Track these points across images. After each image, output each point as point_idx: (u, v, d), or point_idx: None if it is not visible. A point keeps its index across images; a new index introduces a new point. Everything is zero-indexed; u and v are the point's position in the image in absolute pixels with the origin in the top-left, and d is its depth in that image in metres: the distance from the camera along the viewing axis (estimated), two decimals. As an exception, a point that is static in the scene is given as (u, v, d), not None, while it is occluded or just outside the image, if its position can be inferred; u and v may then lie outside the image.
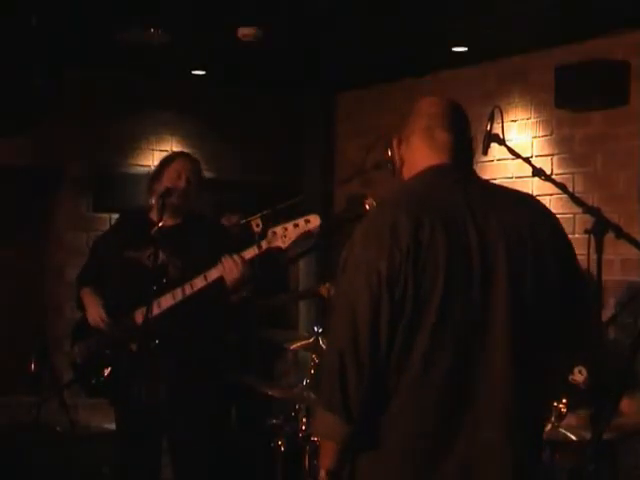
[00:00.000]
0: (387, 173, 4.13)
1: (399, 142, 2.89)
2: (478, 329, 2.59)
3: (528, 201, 2.81)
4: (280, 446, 4.97)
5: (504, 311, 2.59)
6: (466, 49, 6.06)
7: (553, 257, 2.70)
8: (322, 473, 2.73)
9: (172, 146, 6.78)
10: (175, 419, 4.32)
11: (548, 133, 5.90)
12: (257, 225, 4.13)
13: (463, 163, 2.79)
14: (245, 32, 5.51)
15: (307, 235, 4.11)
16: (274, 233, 4.05)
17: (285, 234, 4.05)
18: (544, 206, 2.79)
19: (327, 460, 2.71)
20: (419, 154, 2.81)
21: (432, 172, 2.76)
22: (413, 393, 2.60)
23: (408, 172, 2.83)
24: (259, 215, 4.17)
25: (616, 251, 3.51)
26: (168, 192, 4.32)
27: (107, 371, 4.33)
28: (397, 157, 2.90)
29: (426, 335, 2.57)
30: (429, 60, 6.44)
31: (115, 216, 5.31)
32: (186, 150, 6.20)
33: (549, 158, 5.84)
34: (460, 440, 2.63)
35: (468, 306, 2.58)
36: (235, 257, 4.10)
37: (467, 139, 2.81)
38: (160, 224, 4.26)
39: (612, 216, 3.19)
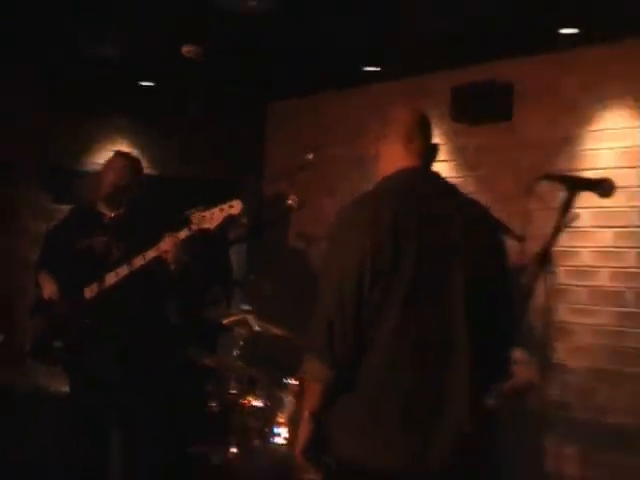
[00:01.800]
0: (311, 175, 4.35)
1: (379, 145, 3.16)
2: (443, 296, 2.93)
3: (473, 200, 3.19)
4: (213, 408, 5.21)
5: (462, 285, 2.93)
6: (379, 69, 6.31)
7: (496, 249, 3.11)
8: (306, 414, 2.96)
9: (122, 147, 6.87)
10: (127, 395, 4.51)
11: (445, 142, 6.12)
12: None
13: (429, 165, 3.14)
14: (187, 49, 5.72)
15: (231, 218, 4.34)
16: (203, 217, 4.29)
17: (212, 217, 4.30)
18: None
19: (312, 400, 2.97)
20: (397, 156, 3.11)
21: (408, 172, 3.07)
22: (389, 348, 2.89)
23: (383, 171, 3.13)
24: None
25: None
26: (112, 186, 4.52)
27: (60, 342, 4.49)
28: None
29: (400, 301, 2.88)
30: (346, 76, 6.65)
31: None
32: (134, 150, 6.41)
33: (446, 163, 6.08)
34: (431, 391, 2.91)
35: (435, 279, 2.92)
36: (170, 237, 4.31)
37: (433, 145, 3.16)
38: (110, 214, 4.48)
39: (499, 214, 3.48)
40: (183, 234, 4.35)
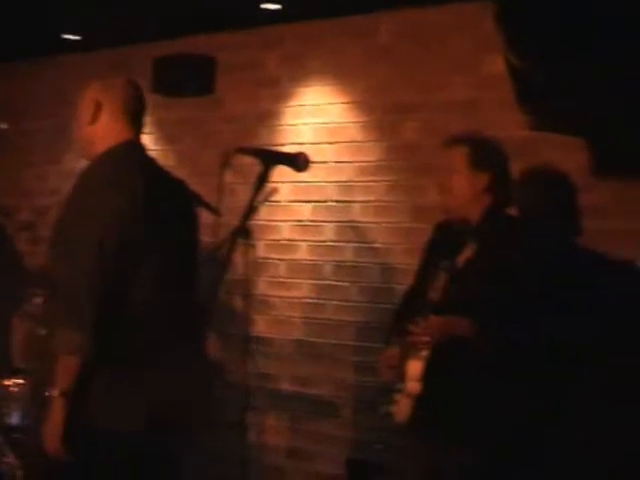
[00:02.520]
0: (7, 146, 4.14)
1: (93, 117, 3.08)
2: (171, 264, 3.05)
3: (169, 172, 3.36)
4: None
5: (173, 249, 3.08)
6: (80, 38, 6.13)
7: (192, 219, 3.30)
8: (55, 392, 2.81)
9: None
10: None
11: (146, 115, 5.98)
12: None
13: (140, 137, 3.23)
14: None
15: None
16: None
17: None
18: None
19: (65, 378, 2.83)
20: (114, 128, 3.18)
21: (129, 144, 3.15)
22: (143, 312, 2.86)
23: (100, 143, 3.15)
24: None
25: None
26: None
27: None
28: (90, 128, 3.08)
29: (150, 270, 2.87)
30: (43, 44, 6.38)
31: None
32: None
33: (146, 136, 5.86)
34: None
35: (170, 248, 3.06)
36: None
37: (143, 119, 3.26)
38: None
39: (198, 188, 3.48)
40: None
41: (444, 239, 3.76)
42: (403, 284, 4.41)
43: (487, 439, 3.46)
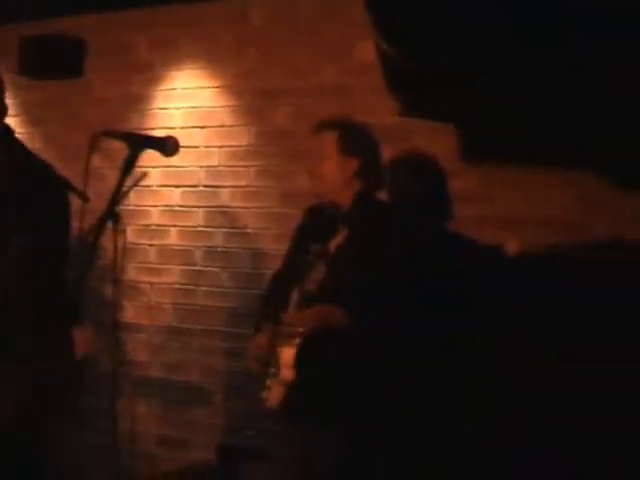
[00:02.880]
0: None
1: None
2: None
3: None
4: None
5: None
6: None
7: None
8: None
9: None
10: None
11: (11, 97, 5.78)
12: None
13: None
14: None
15: None
16: None
17: None
18: None
19: None
20: None
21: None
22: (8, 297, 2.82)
23: None
24: None
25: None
26: None
27: None
28: None
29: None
30: None
31: None
32: None
33: (12, 118, 5.74)
34: None
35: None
36: None
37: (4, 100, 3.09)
38: None
39: (65, 172, 3.40)
40: None
41: (314, 224, 3.76)
42: (273, 269, 4.42)
43: (359, 426, 3.48)
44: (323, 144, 3.66)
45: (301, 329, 3.45)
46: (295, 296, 3.60)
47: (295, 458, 3.63)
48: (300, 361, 3.49)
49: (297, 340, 3.49)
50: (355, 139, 3.66)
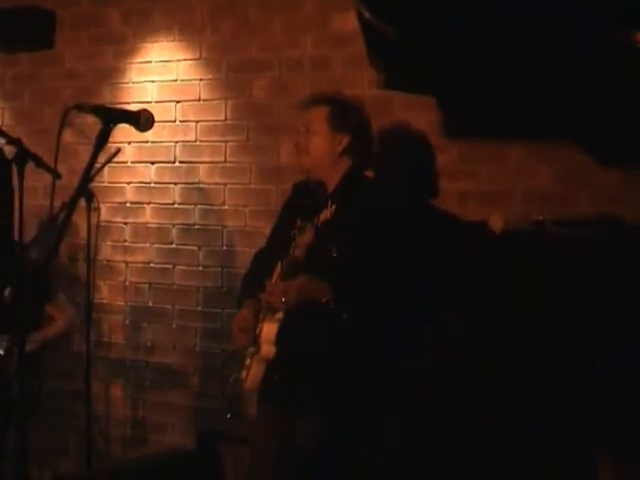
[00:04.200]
0: None
1: None
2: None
3: None
4: None
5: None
6: None
7: None
8: None
9: None
10: None
11: None
12: None
13: None
14: None
15: None
16: None
17: None
18: None
19: None
20: None
21: None
22: None
23: None
24: None
25: (39, 178, 3.59)
26: None
27: None
28: None
29: None
30: None
31: None
32: None
33: None
34: None
35: None
36: None
37: None
38: None
39: (37, 148, 3.28)
40: None
41: (301, 200, 3.70)
42: (251, 247, 4.35)
43: (341, 406, 3.43)
44: (312, 119, 3.61)
45: (283, 299, 3.39)
46: (280, 267, 3.54)
47: (275, 441, 3.58)
48: (281, 336, 3.43)
49: (279, 315, 3.45)
50: (346, 115, 3.61)
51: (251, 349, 3.53)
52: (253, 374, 3.52)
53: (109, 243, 5.37)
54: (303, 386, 3.48)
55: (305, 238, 3.50)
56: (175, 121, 5.17)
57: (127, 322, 5.35)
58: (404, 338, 3.55)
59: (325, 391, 3.43)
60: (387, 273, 3.43)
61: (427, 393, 3.77)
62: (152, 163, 5.26)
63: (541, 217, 3.78)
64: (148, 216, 5.29)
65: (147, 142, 5.16)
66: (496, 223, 3.79)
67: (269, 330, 3.46)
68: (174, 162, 5.19)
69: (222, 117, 5.05)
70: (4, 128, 3.57)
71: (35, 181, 3.74)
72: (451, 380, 3.76)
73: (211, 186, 5.08)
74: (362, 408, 3.47)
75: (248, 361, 3.53)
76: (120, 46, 5.39)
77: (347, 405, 3.44)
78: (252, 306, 3.60)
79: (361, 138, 3.63)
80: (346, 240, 3.45)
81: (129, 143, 5.13)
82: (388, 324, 3.46)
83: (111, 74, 5.41)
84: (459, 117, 4.26)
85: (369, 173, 3.75)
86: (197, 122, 5.12)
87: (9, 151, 3.36)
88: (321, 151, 3.59)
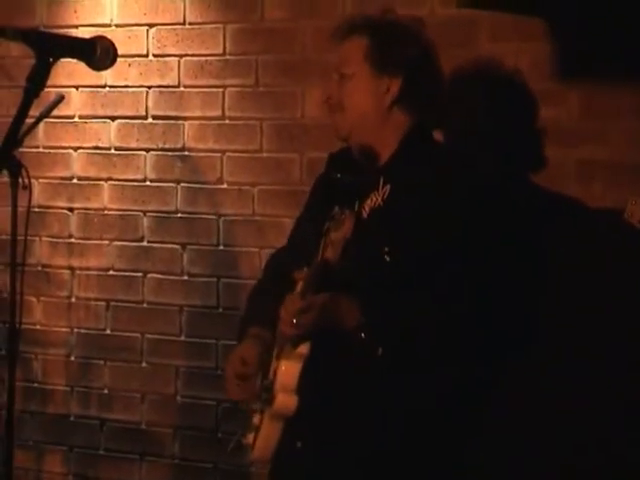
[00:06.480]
0: None
1: None
2: None
3: None
4: None
5: None
6: None
7: None
8: None
9: None
10: None
11: None
12: None
13: None
14: None
15: None
16: None
17: None
18: None
19: None
20: None
21: None
22: None
23: None
24: None
25: None
26: None
27: None
28: None
29: None
30: None
31: None
32: None
33: None
34: None
35: None
36: None
37: None
38: None
39: None
40: None
41: (341, 178, 3.63)
42: (262, 247, 4.44)
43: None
44: (346, 57, 3.61)
45: (295, 320, 3.37)
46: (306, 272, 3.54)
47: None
48: (306, 382, 3.44)
49: (303, 349, 3.45)
50: (395, 48, 3.58)
51: (263, 395, 3.51)
52: (264, 437, 3.52)
53: (46, 239, 5.46)
54: (341, 459, 3.51)
55: (342, 233, 3.49)
56: (147, 55, 5.25)
57: (72, 359, 5.43)
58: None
59: (372, 465, 3.46)
60: (453, 290, 3.44)
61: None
62: (112, 119, 5.34)
63: None
64: (106, 199, 5.37)
65: (104, 87, 5.26)
66: (637, 211, 3.80)
67: (288, 372, 3.45)
68: (145, 117, 5.28)
69: (219, 50, 5.11)
70: None
71: None
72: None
73: (201, 154, 5.15)
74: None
75: (257, 418, 3.55)
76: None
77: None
78: (260, 337, 3.63)
79: (422, 82, 3.59)
80: (405, 237, 3.45)
81: (77, 88, 5.24)
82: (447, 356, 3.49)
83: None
84: (583, 52, 4.28)
85: (438, 135, 3.77)
86: (180, 57, 5.19)
87: None
88: (361, 104, 3.59)
